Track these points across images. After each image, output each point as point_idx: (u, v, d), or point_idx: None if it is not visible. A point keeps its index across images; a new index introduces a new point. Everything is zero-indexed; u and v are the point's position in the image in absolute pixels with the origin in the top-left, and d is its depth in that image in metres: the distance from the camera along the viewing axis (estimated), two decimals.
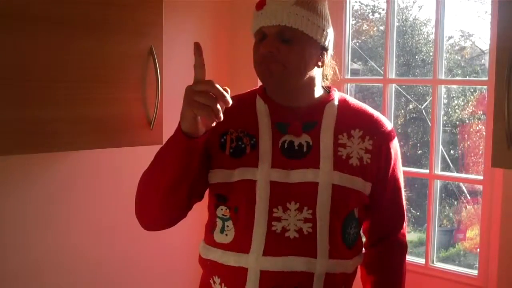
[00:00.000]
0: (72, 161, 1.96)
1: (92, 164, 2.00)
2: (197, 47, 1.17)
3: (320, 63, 1.40)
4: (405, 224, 1.53)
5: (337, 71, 1.51)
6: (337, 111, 1.42)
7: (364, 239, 1.54)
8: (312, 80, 1.40)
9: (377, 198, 1.44)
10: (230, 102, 1.18)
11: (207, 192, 1.43)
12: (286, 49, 1.32)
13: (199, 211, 1.47)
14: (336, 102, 1.44)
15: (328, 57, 1.42)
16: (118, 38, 1.66)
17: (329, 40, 1.40)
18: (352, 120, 1.42)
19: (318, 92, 1.44)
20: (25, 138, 1.50)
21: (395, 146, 1.46)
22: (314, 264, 1.32)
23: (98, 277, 2.04)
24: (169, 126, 1.40)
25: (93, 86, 1.62)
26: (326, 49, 1.40)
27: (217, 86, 1.16)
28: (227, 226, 1.37)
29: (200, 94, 1.15)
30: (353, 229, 1.40)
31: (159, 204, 1.34)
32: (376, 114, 1.47)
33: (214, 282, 1.39)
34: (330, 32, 1.40)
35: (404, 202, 1.53)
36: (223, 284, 1.36)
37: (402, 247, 1.53)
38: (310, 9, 1.34)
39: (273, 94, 1.42)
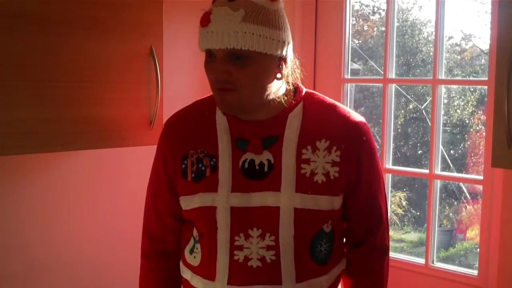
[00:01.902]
0: (72, 161, 1.96)
1: (92, 164, 2.00)
2: None
3: (279, 75, 1.28)
4: (385, 227, 1.43)
5: (299, 71, 1.36)
6: (301, 119, 1.32)
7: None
8: (273, 92, 1.29)
9: (351, 205, 1.37)
10: None
11: None
12: (238, 72, 1.22)
13: None
14: (301, 107, 1.33)
15: (288, 66, 1.30)
16: (118, 38, 1.66)
17: (288, 48, 1.27)
18: (318, 127, 1.32)
19: (282, 99, 1.32)
20: (25, 138, 1.50)
21: (368, 148, 1.35)
22: None
23: (98, 277, 2.04)
24: None
25: (93, 86, 1.61)
26: (285, 59, 1.28)
27: None
28: (196, 248, 1.36)
29: None
30: (324, 245, 1.33)
31: None
32: (347, 114, 1.36)
33: None
34: (288, 38, 1.26)
35: (386, 203, 1.44)
36: None
37: (380, 252, 1.43)
38: (260, 23, 1.20)
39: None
